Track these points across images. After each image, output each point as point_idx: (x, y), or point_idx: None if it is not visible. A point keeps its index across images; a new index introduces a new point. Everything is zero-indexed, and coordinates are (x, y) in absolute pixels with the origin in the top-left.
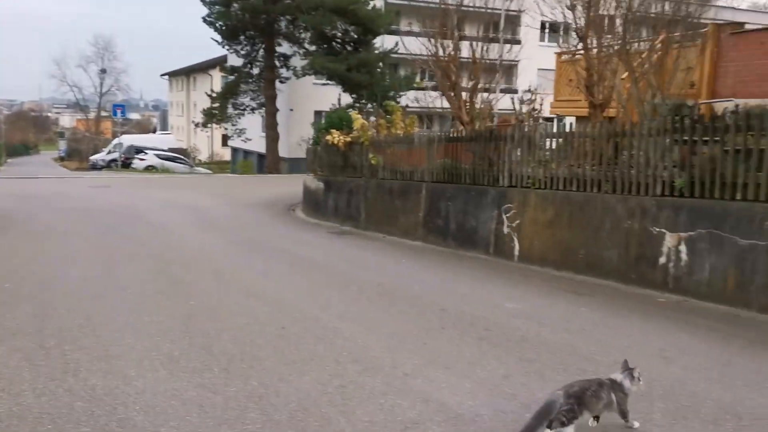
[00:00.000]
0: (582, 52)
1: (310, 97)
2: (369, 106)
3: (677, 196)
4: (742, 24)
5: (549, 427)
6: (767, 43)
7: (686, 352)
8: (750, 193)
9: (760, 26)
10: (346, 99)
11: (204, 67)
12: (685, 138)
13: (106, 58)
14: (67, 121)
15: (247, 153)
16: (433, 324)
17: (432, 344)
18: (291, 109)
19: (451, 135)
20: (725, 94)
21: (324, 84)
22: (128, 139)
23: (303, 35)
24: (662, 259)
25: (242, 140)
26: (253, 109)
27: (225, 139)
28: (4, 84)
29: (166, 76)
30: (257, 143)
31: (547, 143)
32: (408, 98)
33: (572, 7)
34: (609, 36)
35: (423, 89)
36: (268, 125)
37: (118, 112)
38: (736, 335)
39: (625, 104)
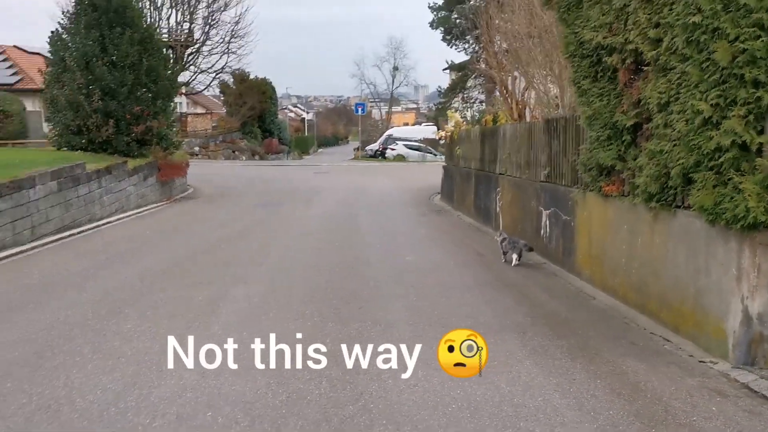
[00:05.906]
0: None
1: None
2: None
3: (546, 182)
4: None
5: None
6: None
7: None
8: (566, 180)
9: None
10: None
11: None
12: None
13: (398, 56)
14: (377, 113)
15: None
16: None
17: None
18: None
19: (482, 130)
20: None
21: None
22: (395, 131)
23: None
24: (542, 231)
25: None
26: (481, 102)
27: None
28: (335, 81)
29: (448, 71)
30: None
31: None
32: None
33: None
34: None
35: None
36: None
37: (359, 109)
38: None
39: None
